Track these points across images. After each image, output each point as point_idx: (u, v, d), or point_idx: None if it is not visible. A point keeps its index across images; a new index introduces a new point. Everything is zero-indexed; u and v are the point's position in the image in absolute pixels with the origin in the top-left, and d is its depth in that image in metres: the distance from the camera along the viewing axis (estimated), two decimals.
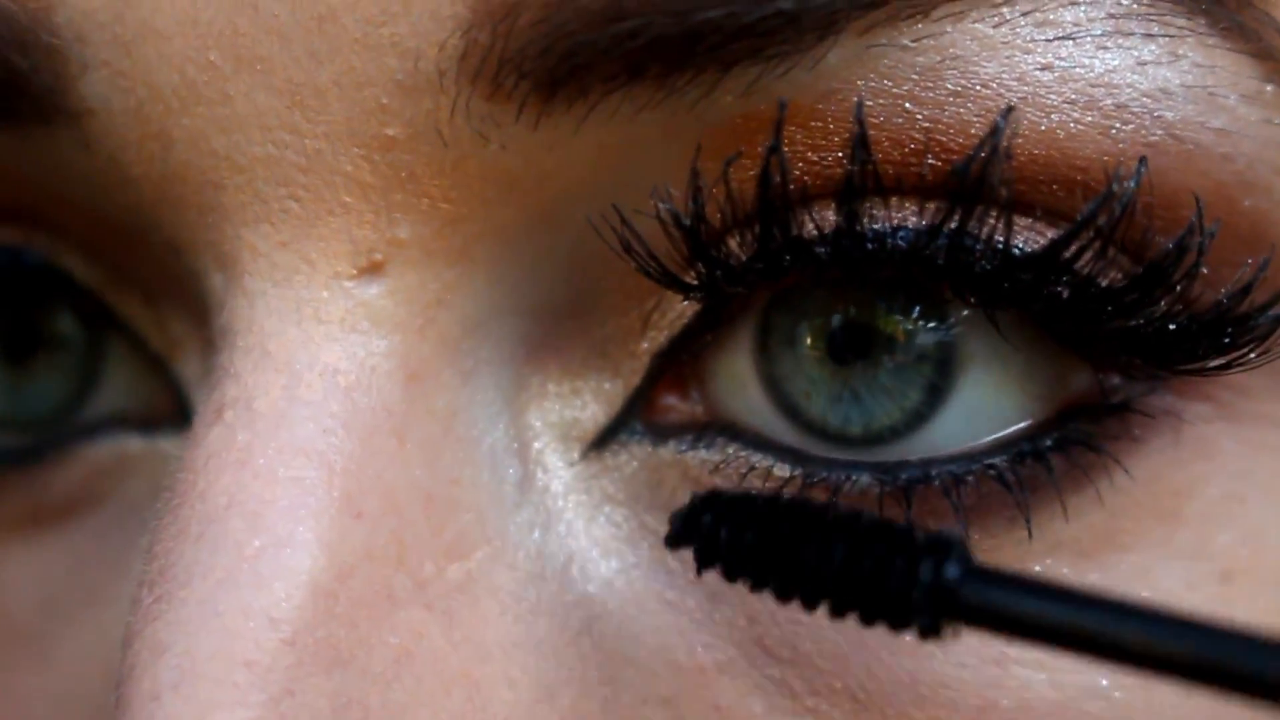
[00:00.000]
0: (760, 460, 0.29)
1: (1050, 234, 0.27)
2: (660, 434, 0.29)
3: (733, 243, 0.28)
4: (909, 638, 0.26)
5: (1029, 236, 0.27)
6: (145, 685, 0.25)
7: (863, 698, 0.28)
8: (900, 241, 0.27)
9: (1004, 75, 0.27)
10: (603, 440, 0.30)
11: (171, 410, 0.33)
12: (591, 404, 0.30)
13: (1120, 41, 0.27)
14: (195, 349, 0.31)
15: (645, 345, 0.29)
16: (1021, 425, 0.29)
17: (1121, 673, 0.27)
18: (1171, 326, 0.28)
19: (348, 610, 0.26)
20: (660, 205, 0.27)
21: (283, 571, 0.26)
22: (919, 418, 0.29)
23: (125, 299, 0.32)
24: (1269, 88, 0.28)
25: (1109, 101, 0.27)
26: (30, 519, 0.33)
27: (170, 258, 0.29)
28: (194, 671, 0.25)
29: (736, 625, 0.29)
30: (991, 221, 0.27)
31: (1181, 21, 0.27)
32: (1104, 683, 0.28)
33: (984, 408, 0.29)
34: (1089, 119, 0.27)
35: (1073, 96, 0.27)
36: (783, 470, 0.29)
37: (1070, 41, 0.27)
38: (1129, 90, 0.27)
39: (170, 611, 0.26)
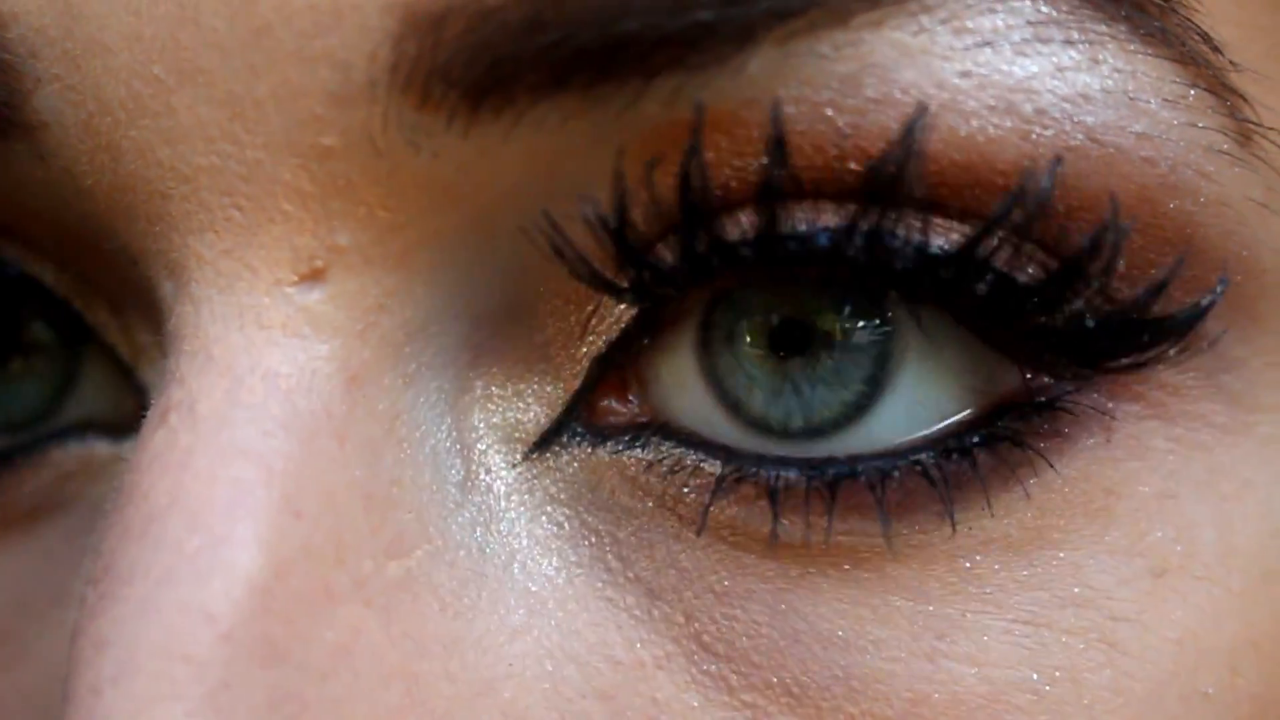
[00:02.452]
0: (691, 457, 0.29)
1: (969, 234, 0.28)
2: (600, 435, 0.30)
3: (661, 246, 0.29)
4: (840, 634, 0.28)
5: (948, 236, 0.28)
6: (87, 679, 0.26)
7: (797, 692, 0.29)
8: (822, 241, 0.28)
9: (922, 82, 0.27)
10: (545, 441, 0.30)
11: (138, 416, 0.33)
12: (534, 406, 0.30)
13: (1039, 48, 0.28)
14: (159, 356, 0.32)
15: (585, 349, 0.30)
16: (951, 421, 0.30)
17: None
18: (1090, 324, 0.28)
19: (285, 606, 0.27)
20: (586, 209, 0.28)
21: (221, 569, 0.26)
22: (859, 410, 0.30)
23: (94, 307, 0.33)
24: (1192, 92, 0.28)
25: (1028, 107, 0.27)
26: (1, 522, 0.34)
27: (129, 267, 0.30)
28: (133, 666, 0.26)
29: (674, 621, 0.29)
30: (910, 221, 0.28)
31: (1102, 28, 0.28)
32: (1034, 676, 0.29)
33: (922, 402, 0.30)
34: (1008, 124, 0.27)
35: (991, 102, 0.27)
36: (713, 466, 0.29)
37: (989, 48, 0.27)
38: (1048, 95, 0.28)
39: (112, 608, 0.27)
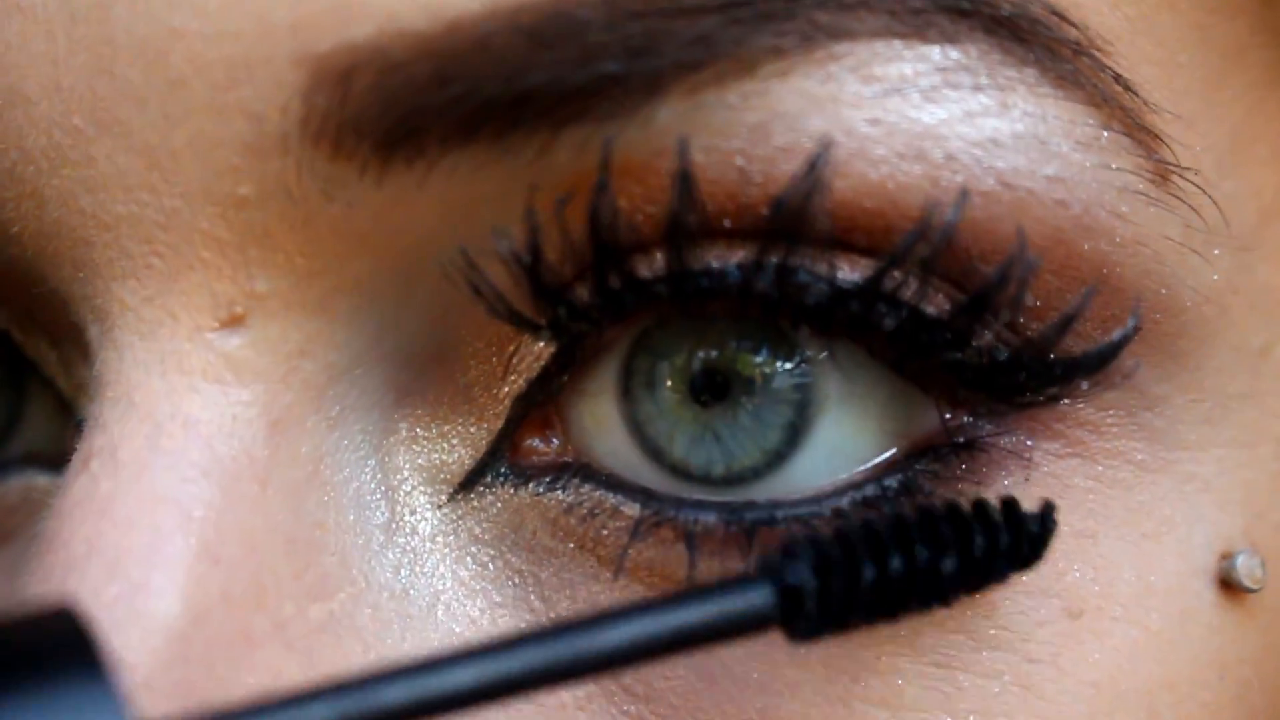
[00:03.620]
0: (611, 499, 0.30)
1: (877, 265, 0.28)
2: (524, 475, 0.30)
3: (577, 284, 0.29)
4: (756, 676, 0.29)
5: (858, 270, 0.28)
6: None
7: None
8: (733, 276, 0.28)
9: (831, 130, 0.27)
10: (469, 482, 0.30)
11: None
12: (459, 447, 0.30)
13: (948, 94, 0.28)
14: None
15: (507, 389, 0.30)
16: (869, 465, 0.30)
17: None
18: (1002, 357, 0.28)
19: (203, 652, 0.27)
20: (501, 245, 0.28)
21: (138, 617, 0.27)
22: (779, 458, 0.30)
23: (35, 343, 0.34)
24: (1105, 134, 0.28)
25: (938, 153, 0.28)
26: None
27: (61, 308, 0.30)
28: None
29: None
30: (819, 254, 0.28)
31: (1011, 73, 0.28)
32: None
33: (842, 446, 0.30)
34: (917, 170, 0.28)
35: (901, 149, 0.27)
36: (631, 509, 0.30)
37: (897, 95, 0.27)
38: (957, 141, 0.28)
39: None
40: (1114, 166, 0.28)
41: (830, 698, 0.29)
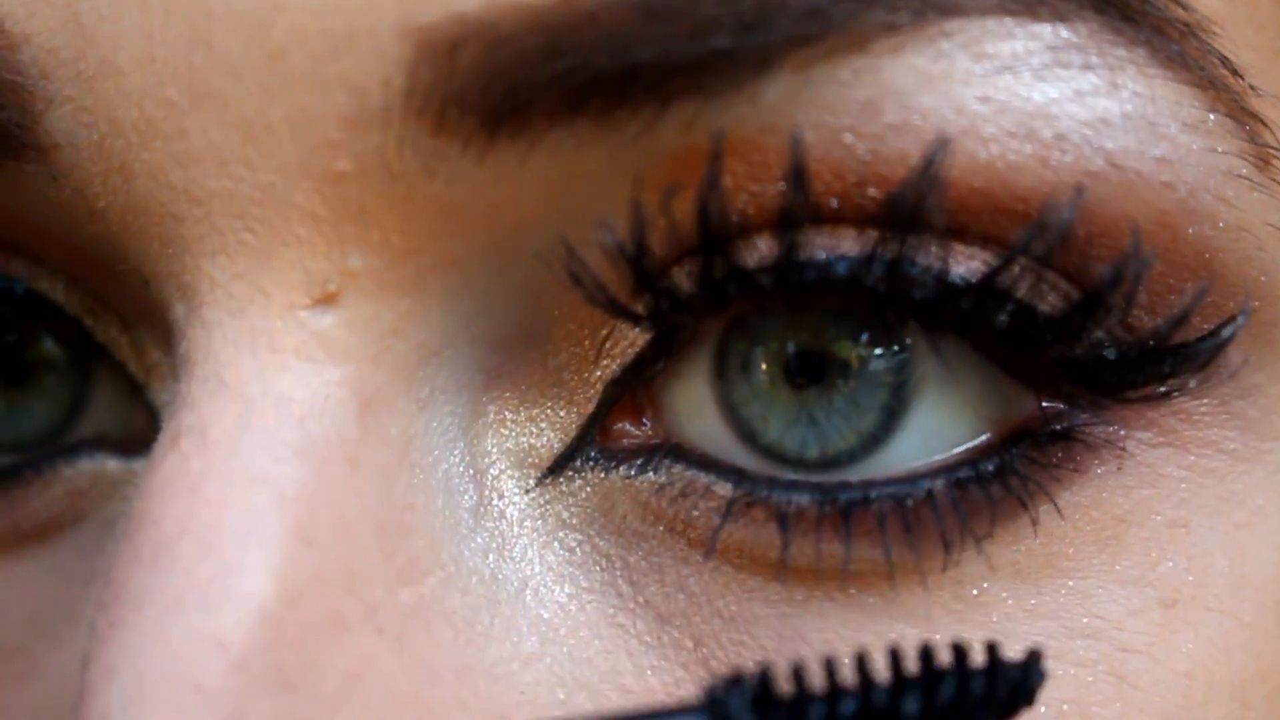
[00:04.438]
0: (702, 479, 0.29)
1: (990, 262, 0.28)
2: (614, 458, 0.30)
3: (678, 273, 0.28)
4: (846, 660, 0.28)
5: (969, 265, 0.28)
6: (97, 708, 0.26)
7: None
8: (841, 270, 0.28)
9: (942, 108, 0.27)
10: (558, 466, 0.30)
11: (149, 434, 0.33)
12: (547, 431, 0.30)
13: (1059, 73, 0.27)
14: (170, 375, 0.32)
15: (599, 373, 0.30)
16: (965, 448, 0.29)
17: None
18: (1110, 355, 0.28)
19: (296, 635, 0.27)
20: (604, 236, 0.28)
21: (231, 597, 0.26)
22: (875, 441, 0.30)
23: (105, 325, 0.33)
24: (1212, 117, 0.28)
25: (1048, 132, 0.27)
26: (13, 538, 0.34)
27: (141, 287, 0.30)
28: (143, 695, 0.26)
29: (684, 647, 0.29)
30: (930, 249, 0.28)
31: (1121, 52, 0.28)
32: (1042, 710, 0.28)
33: (939, 430, 0.30)
34: (1028, 150, 0.27)
35: (1011, 128, 0.27)
36: (724, 489, 0.29)
37: (1008, 73, 0.27)
38: (1068, 121, 0.27)
39: (122, 636, 0.26)
40: (1219, 150, 0.28)
41: None
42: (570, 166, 0.27)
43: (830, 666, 0.26)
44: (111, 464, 0.34)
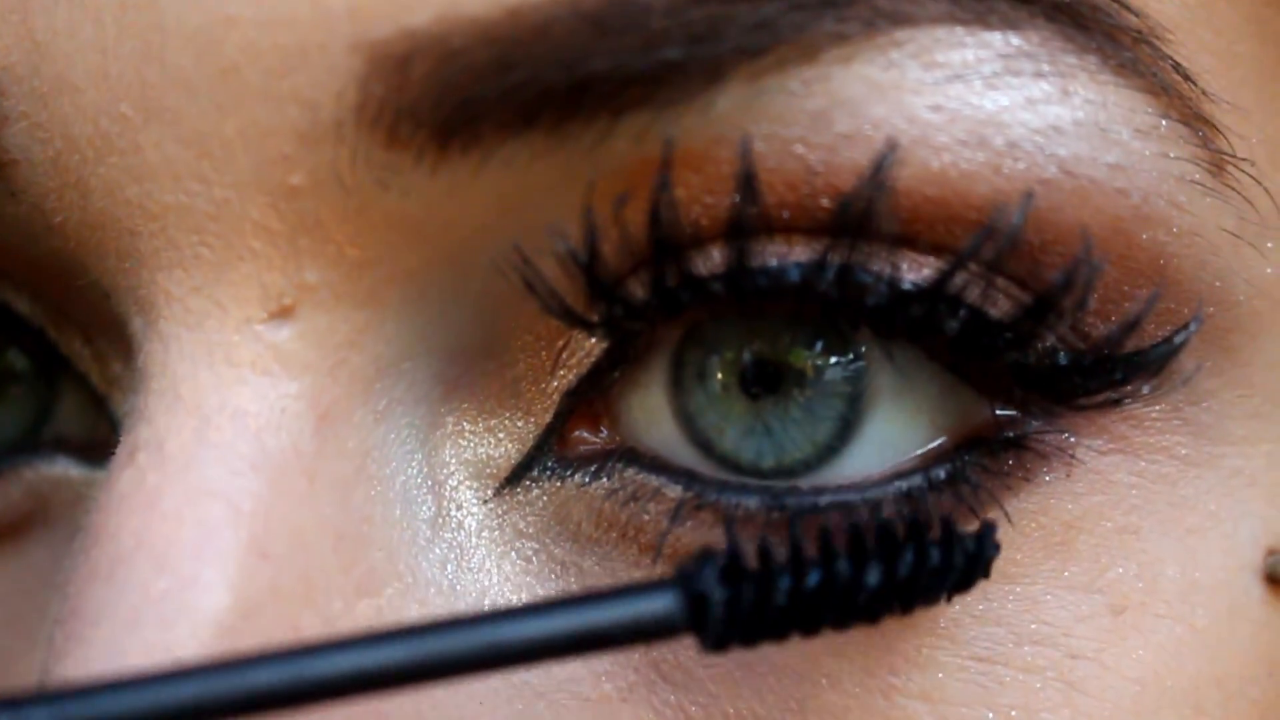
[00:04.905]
0: (653, 481, 0.29)
1: (942, 269, 0.28)
2: (570, 466, 0.30)
3: (632, 281, 0.28)
4: (795, 666, 0.29)
5: (920, 272, 0.28)
6: None
7: None
8: (793, 276, 0.28)
9: (893, 117, 0.27)
10: (515, 477, 0.30)
11: (112, 444, 0.33)
12: (505, 441, 0.30)
13: (1010, 81, 0.27)
14: (129, 388, 0.32)
15: (556, 383, 0.30)
16: (918, 453, 0.29)
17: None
18: (1063, 361, 0.28)
19: (253, 648, 0.27)
20: (557, 245, 0.28)
21: (187, 611, 0.26)
22: (830, 451, 0.30)
23: (68, 338, 0.33)
24: (1164, 123, 0.28)
25: (1000, 140, 0.27)
26: None
27: (101, 300, 0.30)
28: None
29: (634, 653, 0.29)
30: (882, 255, 0.28)
31: (1072, 59, 0.28)
32: (990, 715, 0.29)
33: (894, 441, 0.30)
34: (980, 158, 0.27)
35: (963, 136, 0.27)
36: (674, 491, 0.29)
37: (960, 82, 0.27)
38: (1020, 128, 0.27)
39: (79, 651, 0.26)
40: (1172, 155, 0.28)
41: (870, 689, 0.29)
42: (524, 178, 0.27)
43: (796, 545, 0.26)
44: (74, 470, 0.34)
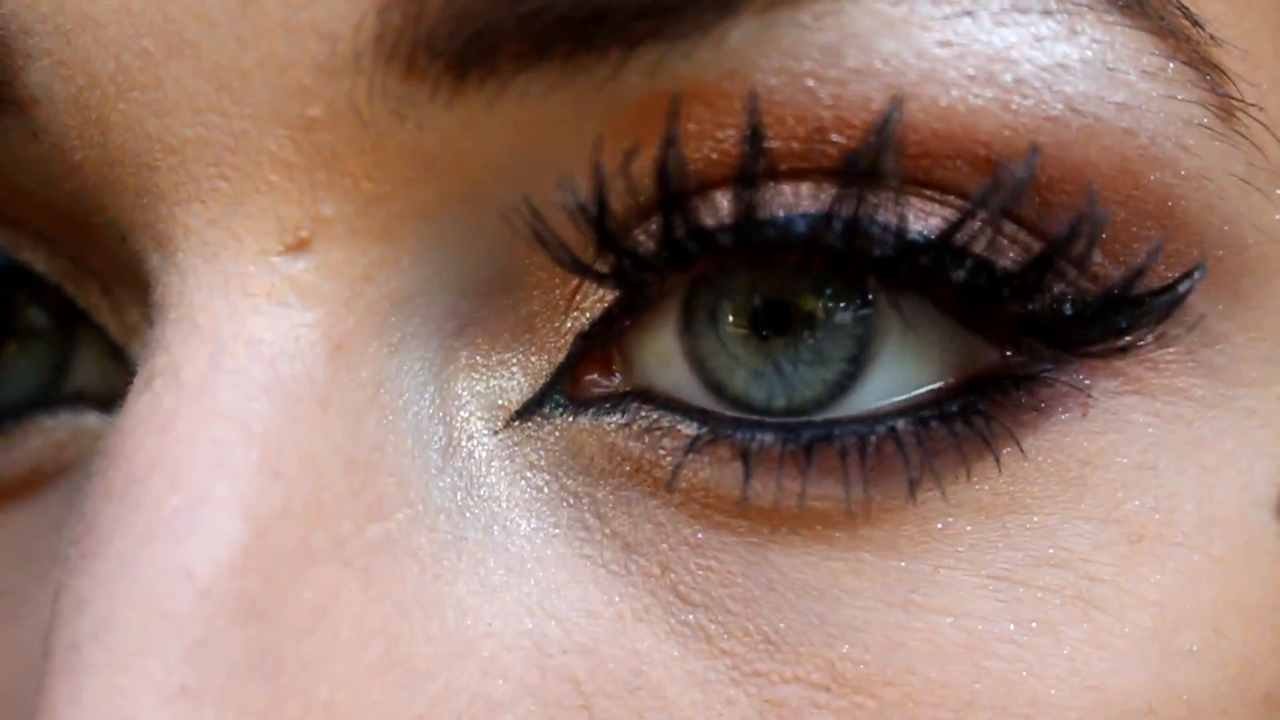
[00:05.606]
0: (668, 419, 0.30)
1: (948, 218, 0.28)
2: (581, 405, 0.30)
3: (640, 233, 0.29)
4: (814, 583, 0.29)
5: (927, 222, 0.28)
6: (66, 636, 0.26)
7: (775, 639, 0.29)
8: (800, 227, 0.28)
9: (903, 52, 0.27)
10: (526, 411, 0.30)
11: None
12: (518, 375, 0.30)
13: (1017, 18, 0.28)
14: (148, 330, 0.33)
15: (570, 324, 0.30)
16: (929, 389, 0.30)
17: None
18: (1068, 310, 0.29)
19: (264, 565, 0.27)
20: (567, 197, 0.28)
21: (199, 528, 0.27)
22: (840, 390, 0.30)
23: (85, 289, 0.34)
24: (1171, 65, 0.29)
25: (1008, 76, 0.28)
26: (4, 487, 0.35)
27: (118, 244, 0.30)
28: (112, 622, 0.26)
29: (651, 574, 0.30)
30: (889, 206, 0.28)
31: None
32: (1011, 627, 0.29)
33: (903, 378, 0.30)
34: (989, 94, 0.28)
35: (971, 72, 0.28)
36: (689, 428, 0.30)
37: (968, 18, 0.28)
38: (1027, 65, 0.28)
39: (93, 566, 0.27)
40: (1180, 98, 0.29)
41: (891, 604, 0.29)
42: (537, 114, 0.28)
43: None
44: (92, 418, 0.34)
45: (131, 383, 0.32)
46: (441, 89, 0.27)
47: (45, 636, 0.27)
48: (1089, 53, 0.28)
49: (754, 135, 0.28)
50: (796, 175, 0.28)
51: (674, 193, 0.28)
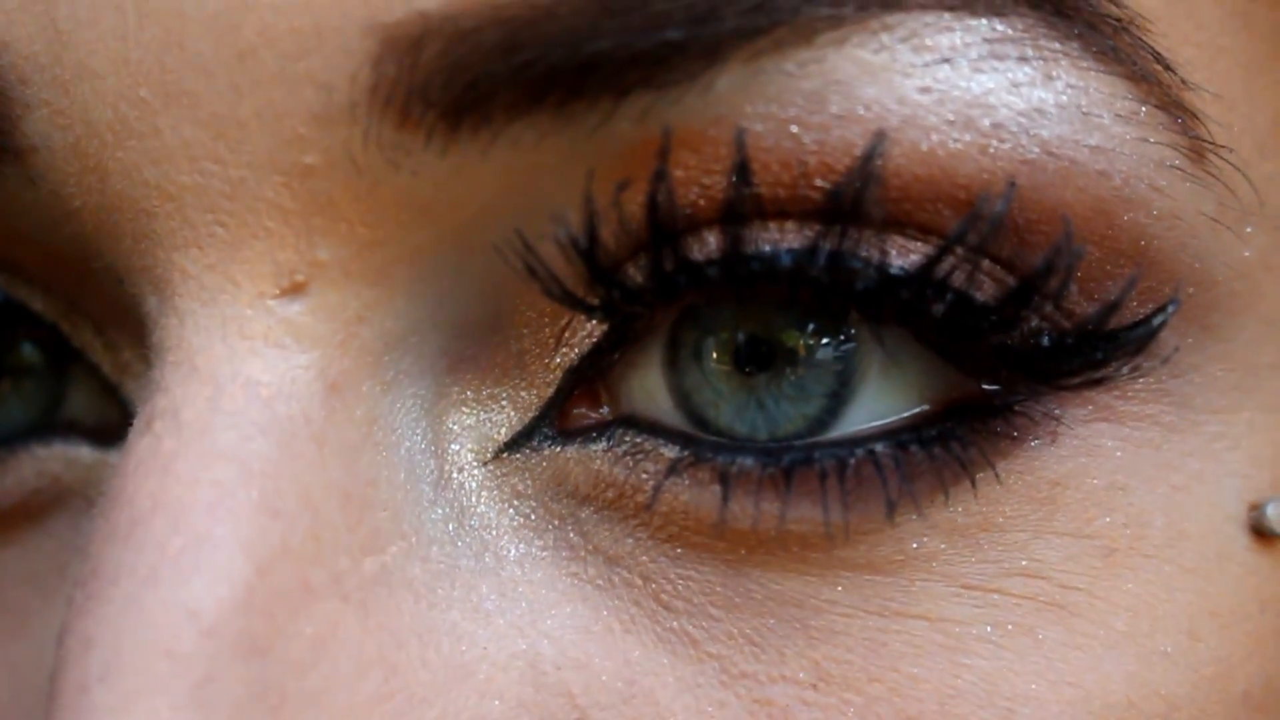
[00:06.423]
0: (650, 442, 0.30)
1: (928, 254, 0.29)
2: (569, 436, 0.31)
3: (630, 266, 0.29)
4: (793, 592, 0.30)
5: (908, 257, 0.29)
6: (74, 678, 0.27)
7: (759, 641, 0.30)
8: (785, 261, 0.29)
9: (884, 98, 0.28)
10: (515, 443, 0.31)
11: (123, 427, 0.34)
12: (508, 409, 0.31)
13: (995, 65, 0.29)
14: (143, 372, 0.33)
15: (558, 360, 0.31)
16: (906, 415, 0.31)
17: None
18: (1045, 342, 0.29)
19: (265, 602, 0.27)
20: (559, 231, 0.29)
21: (202, 567, 0.27)
22: (820, 425, 0.31)
23: (80, 330, 0.34)
24: (1144, 109, 0.29)
25: (986, 121, 0.28)
26: (5, 510, 0.35)
27: (114, 286, 0.31)
28: (119, 663, 0.27)
29: (634, 584, 0.30)
30: (871, 242, 0.29)
31: (1055, 45, 0.29)
32: (989, 629, 0.30)
33: (882, 412, 0.31)
34: (967, 138, 0.28)
35: (951, 117, 0.28)
36: (670, 451, 0.30)
37: (947, 65, 0.28)
38: (1005, 110, 0.29)
39: (99, 609, 0.27)
40: (1152, 140, 0.29)
41: (869, 611, 0.30)
42: (529, 160, 0.28)
43: None
44: (84, 450, 0.35)
45: (126, 419, 0.33)
46: (436, 137, 0.28)
47: (51, 678, 0.28)
48: (1064, 97, 0.29)
49: (741, 169, 0.28)
50: (781, 216, 0.29)
51: (663, 226, 0.29)
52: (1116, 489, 0.31)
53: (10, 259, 0.34)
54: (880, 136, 0.28)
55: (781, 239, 0.29)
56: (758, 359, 0.31)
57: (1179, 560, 0.31)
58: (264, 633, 0.27)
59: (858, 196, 0.28)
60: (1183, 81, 0.30)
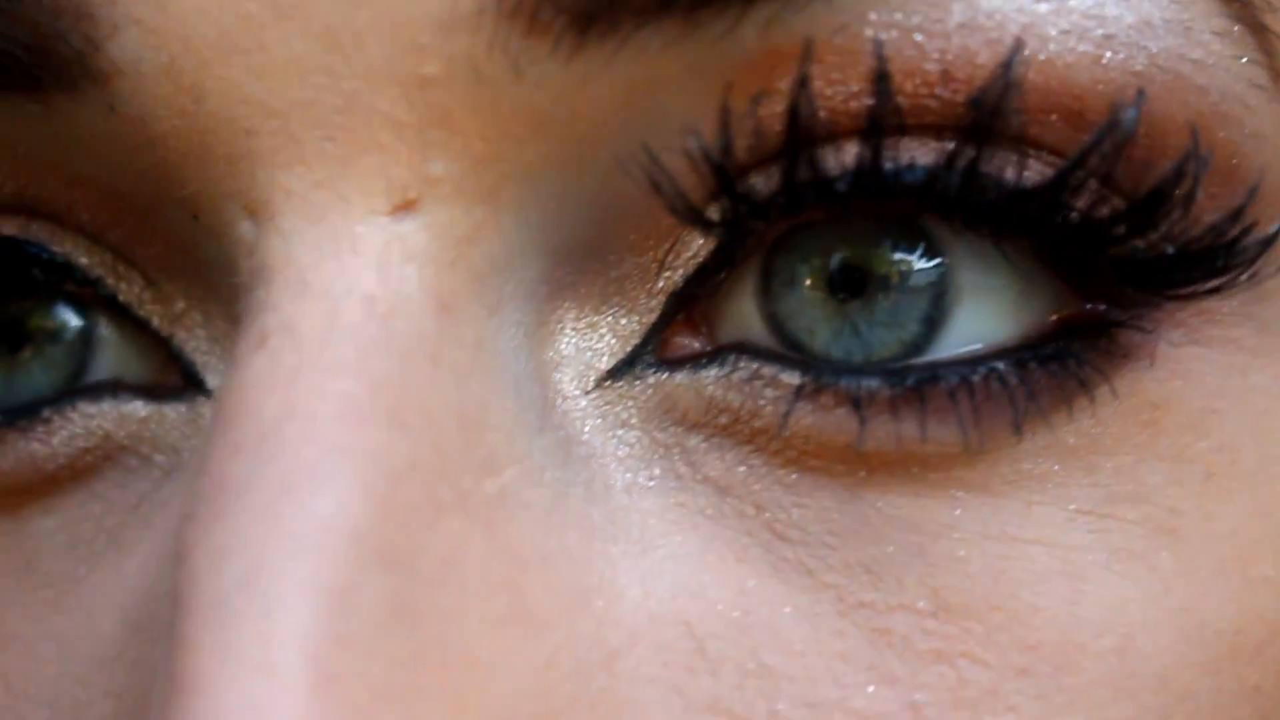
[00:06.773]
0: (770, 369, 0.30)
1: (1056, 164, 0.29)
2: (674, 364, 0.31)
3: (757, 178, 0.29)
4: (910, 518, 0.30)
5: (1039, 169, 0.29)
6: (207, 591, 0.26)
7: (877, 569, 0.30)
8: (918, 176, 0.29)
9: (1005, 6, 0.29)
10: (617, 371, 0.31)
11: (172, 381, 0.33)
12: (609, 337, 0.31)
13: None
14: (200, 322, 0.32)
15: (661, 285, 0.31)
16: (1013, 336, 0.31)
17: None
18: (1169, 251, 0.30)
19: (399, 515, 0.27)
20: (690, 142, 0.29)
21: (338, 477, 0.27)
22: (916, 348, 0.31)
23: (126, 282, 0.33)
24: (1237, 28, 0.30)
25: (1099, 32, 0.29)
26: (46, 474, 0.34)
27: (185, 223, 0.30)
28: (259, 571, 0.26)
29: (745, 514, 0.30)
30: (1004, 154, 0.29)
31: None
32: (1104, 555, 0.30)
33: (978, 335, 0.31)
34: (1083, 48, 0.29)
35: (1067, 27, 0.29)
36: (791, 377, 0.30)
37: None
38: (1115, 22, 0.29)
39: (230, 519, 0.27)
40: (1244, 59, 0.30)
41: (987, 535, 0.30)
42: (654, 69, 0.28)
43: None
44: (139, 405, 0.33)
45: (180, 373, 0.32)
46: (563, 44, 0.28)
47: (176, 594, 0.27)
48: (1169, 12, 0.30)
49: (881, 78, 0.28)
50: (912, 126, 0.29)
51: (801, 137, 0.29)
52: (1209, 412, 0.31)
53: (61, 205, 0.32)
54: (1020, 44, 0.28)
55: (914, 152, 0.29)
56: (851, 285, 0.31)
57: (1271, 485, 0.32)
58: (401, 545, 0.27)
59: (997, 106, 0.29)
60: (1268, 2, 0.31)
